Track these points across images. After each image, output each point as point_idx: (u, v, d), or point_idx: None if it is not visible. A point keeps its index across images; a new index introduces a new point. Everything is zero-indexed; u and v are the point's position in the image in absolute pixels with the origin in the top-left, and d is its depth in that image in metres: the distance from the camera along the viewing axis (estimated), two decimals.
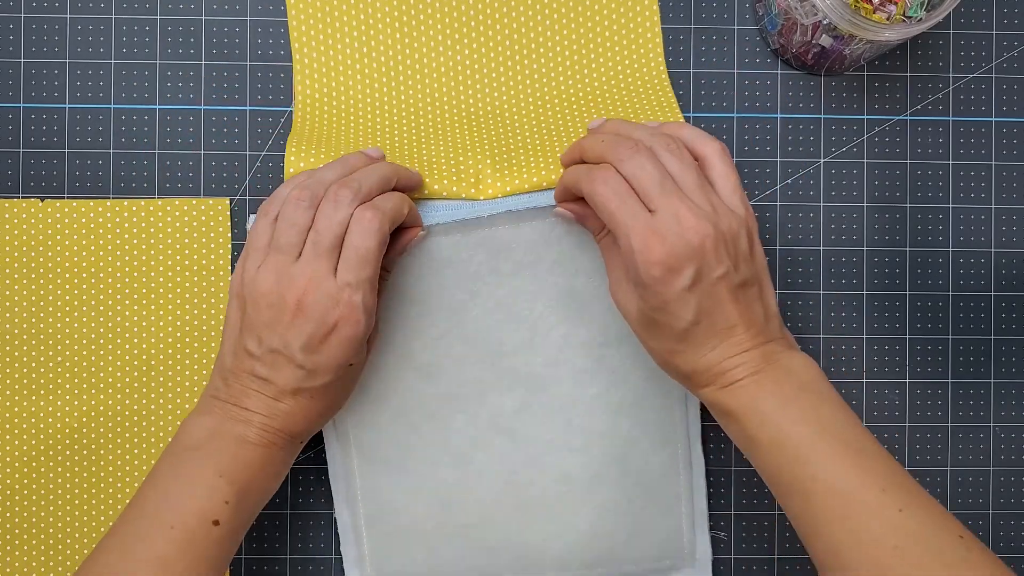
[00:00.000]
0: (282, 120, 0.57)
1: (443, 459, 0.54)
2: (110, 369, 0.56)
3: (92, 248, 0.56)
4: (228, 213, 0.56)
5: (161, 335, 0.56)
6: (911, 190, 0.58)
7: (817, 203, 0.58)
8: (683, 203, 0.45)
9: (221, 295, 0.56)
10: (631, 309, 0.48)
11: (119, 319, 0.56)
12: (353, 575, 0.56)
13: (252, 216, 0.53)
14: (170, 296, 0.56)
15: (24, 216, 0.56)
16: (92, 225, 0.56)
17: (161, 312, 0.56)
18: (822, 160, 0.58)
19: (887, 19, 0.51)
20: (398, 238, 0.51)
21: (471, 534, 0.55)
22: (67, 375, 0.56)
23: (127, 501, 0.56)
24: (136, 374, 0.56)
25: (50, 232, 0.56)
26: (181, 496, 0.46)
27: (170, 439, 0.55)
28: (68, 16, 0.57)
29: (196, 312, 0.56)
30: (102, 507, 0.56)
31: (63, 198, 0.56)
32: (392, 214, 0.48)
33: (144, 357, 0.56)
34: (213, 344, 0.56)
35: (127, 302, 0.56)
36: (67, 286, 0.56)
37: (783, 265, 0.58)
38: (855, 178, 0.58)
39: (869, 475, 0.44)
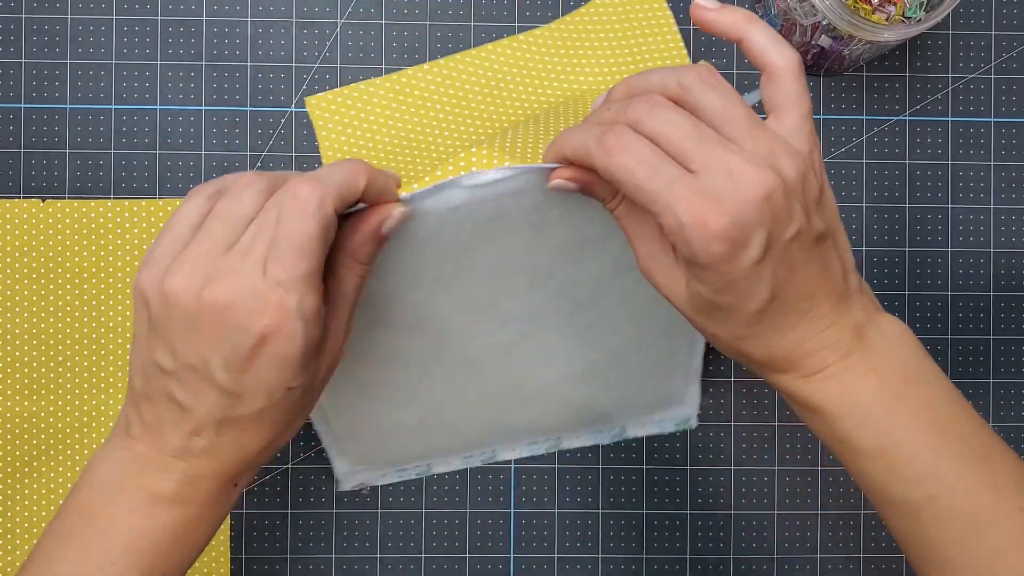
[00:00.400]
0: (282, 120, 0.57)
1: (433, 377, 0.51)
2: (110, 369, 0.56)
3: (93, 248, 0.56)
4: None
5: None
6: (910, 190, 0.58)
7: None
8: (734, 152, 0.35)
9: None
10: (678, 291, 0.39)
11: (119, 319, 0.56)
12: (340, 465, 0.55)
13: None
14: None
15: (25, 216, 0.56)
16: (93, 225, 0.56)
17: None
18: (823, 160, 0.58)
19: (886, 20, 0.51)
20: (367, 218, 0.40)
21: (459, 427, 0.54)
22: (67, 375, 0.56)
23: None
24: None
25: (51, 232, 0.56)
26: None
27: None
28: (68, 16, 0.57)
29: None
30: None
31: (64, 198, 0.56)
32: (339, 187, 0.38)
33: None
34: None
35: (127, 302, 0.56)
36: (67, 286, 0.56)
37: None
38: (854, 178, 0.58)
39: (1002, 492, 0.36)
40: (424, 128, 0.56)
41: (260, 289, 0.36)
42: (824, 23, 0.51)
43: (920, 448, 0.37)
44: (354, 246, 0.40)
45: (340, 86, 0.57)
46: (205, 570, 0.56)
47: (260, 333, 0.36)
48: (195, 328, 0.36)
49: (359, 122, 0.55)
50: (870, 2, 0.52)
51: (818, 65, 0.56)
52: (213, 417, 0.37)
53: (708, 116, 0.37)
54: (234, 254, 0.36)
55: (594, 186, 0.40)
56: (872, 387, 0.37)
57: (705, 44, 0.58)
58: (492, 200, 0.42)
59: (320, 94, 0.56)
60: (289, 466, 0.57)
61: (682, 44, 0.56)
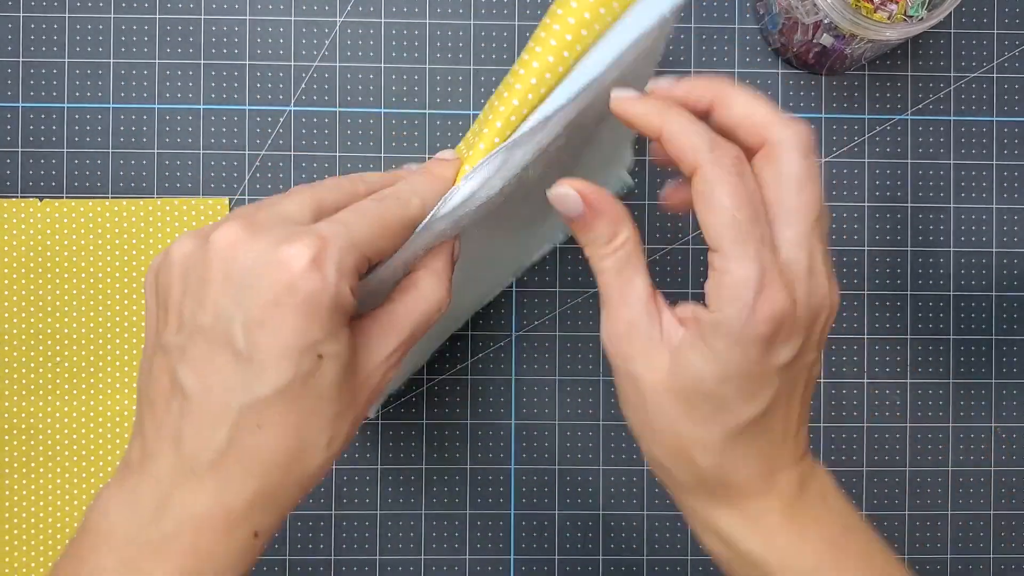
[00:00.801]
0: (281, 120, 0.57)
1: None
2: (110, 369, 0.56)
3: (91, 248, 0.56)
4: (228, 213, 0.56)
5: None
6: (912, 190, 0.58)
7: None
8: (820, 253, 0.33)
9: None
10: (655, 367, 0.34)
11: (119, 319, 0.56)
12: None
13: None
14: None
15: (23, 216, 0.56)
16: (91, 225, 0.56)
17: None
18: (823, 160, 0.58)
19: (888, 18, 0.51)
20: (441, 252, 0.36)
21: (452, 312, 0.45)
22: (67, 375, 0.56)
23: None
24: (136, 374, 0.56)
25: (49, 232, 0.56)
26: None
27: None
28: (67, 15, 0.57)
29: None
30: None
31: (61, 197, 0.56)
32: (412, 210, 0.34)
33: None
34: None
35: (127, 302, 0.56)
36: (67, 286, 0.56)
37: None
38: (856, 178, 0.58)
39: None
40: None
41: (293, 232, 0.31)
42: (826, 21, 0.51)
43: None
44: (440, 268, 0.36)
45: (340, 86, 0.57)
46: None
47: (285, 279, 0.30)
48: (207, 281, 0.30)
49: None
50: (872, 1, 0.51)
51: (820, 64, 0.56)
52: (224, 402, 0.30)
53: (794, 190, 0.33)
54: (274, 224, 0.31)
55: (599, 222, 0.35)
56: (815, 538, 0.35)
57: (686, 42, 0.58)
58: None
59: None
60: None
61: None
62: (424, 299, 0.35)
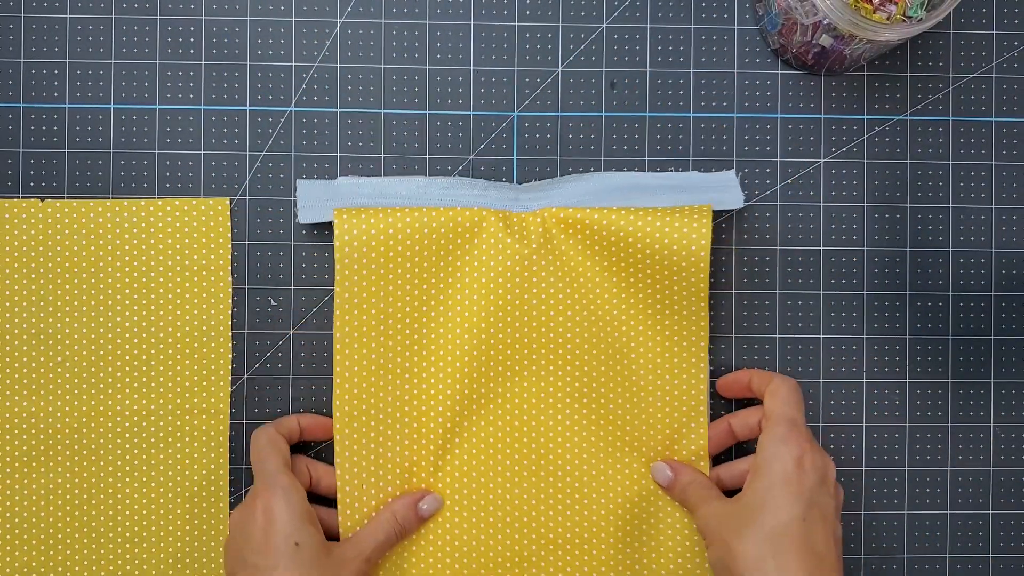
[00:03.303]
0: (282, 120, 0.57)
1: None
2: (110, 369, 0.56)
3: (92, 248, 0.56)
4: (228, 213, 0.56)
5: (161, 335, 0.56)
6: (911, 190, 0.58)
7: (817, 203, 0.58)
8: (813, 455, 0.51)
9: (221, 295, 0.56)
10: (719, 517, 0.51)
11: (119, 319, 0.56)
12: None
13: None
14: (170, 296, 0.56)
15: (24, 216, 0.56)
16: (92, 225, 0.56)
17: (161, 312, 0.56)
18: (822, 160, 0.58)
19: (887, 19, 0.51)
20: (416, 500, 0.55)
21: None
22: (67, 375, 0.56)
23: (126, 500, 0.56)
24: (136, 374, 0.56)
25: (50, 232, 0.56)
26: None
27: (171, 438, 0.56)
28: (68, 16, 0.57)
29: (196, 312, 0.56)
30: (102, 507, 0.56)
31: (63, 198, 0.56)
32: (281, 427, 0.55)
33: (144, 357, 0.56)
34: (213, 344, 0.56)
35: (127, 302, 0.56)
36: (67, 286, 0.56)
37: (783, 265, 0.58)
38: (855, 178, 0.58)
39: None
40: (440, 279, 0.55)
41: (255, 492, 0.52)
42: (825, 22, 0.51)
43: None
44: (399, 508, 0.55)
45: (340, 86, 0.57)
46: (204, 571, 0.56)
47: (262, 508, 0.51)
48: (230, 550, 0.52)
49: (379, 251, 0.54)
50: (871, 1, 0.51)
51: (819, 64, 0.56)
52: None
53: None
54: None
55: (674, 488, 0.55)
56: None
57: (686, 42, 0.58)
58: None
59: (347, 208, 0.54)
60: None
61: (707, 271, 0.54)
62: (380, 530, 0.54)
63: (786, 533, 0.48)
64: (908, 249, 0.58)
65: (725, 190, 0.56)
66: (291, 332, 0.57)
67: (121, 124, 0.57)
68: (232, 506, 0.57)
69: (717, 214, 0.57)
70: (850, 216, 0.58)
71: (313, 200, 0.56)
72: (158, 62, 0.57)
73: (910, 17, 0.51)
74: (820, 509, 0.49)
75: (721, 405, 0.58)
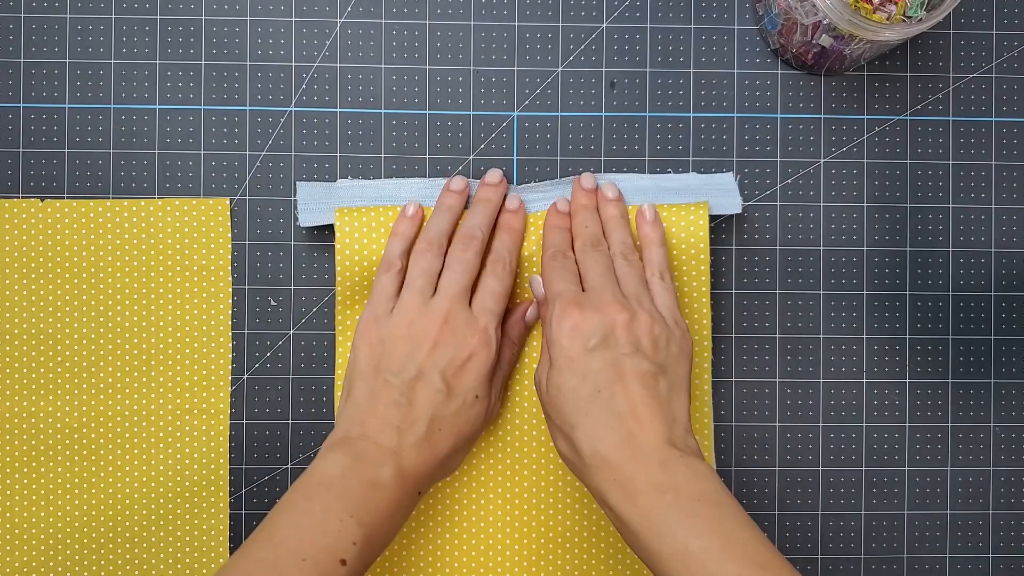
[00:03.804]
0: (282, 120, 0.57)
1: None
2: (110, 369, 0.56)
3: (92, 248, 0.56)
4: (228, 213, 0.56)
5: (161, 335, 0.56)
6: (911, 190, 0.58)
7: (817, 203, 0.58)
8: (611, 288, 0.50)
9: (221, 295, 0.56)
10: (543, 390, 0.50)
11: (119, 319, 0.56)
12: None
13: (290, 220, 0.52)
14: (170, 296, 0.56)
15: (24, 216, 0.56)
16: (92, 225, 0.56)
17: (161, 312, 0.56)
18: (822, 160, 0.58)
19: (887, 19, 0.51)
20: (516, 308, 0.55)
21: None
22: (67, 375, 0.56)
23: (126, 500, 0.56)
24: (136, 374, 0.56)
25: (50, 232, 0.56)
26: (312, 531, 0.46)
27: (171, 438, 0.55)
28: (68, 16, 0.57)
29: (196, 312, 0.56)
30: (102, 507, 0.56)
31: (63, 198, 0.56)
32: (514, 262, 0.54)
33: (144, 357, 0.56)
34: (213, 344, 0.56)
35: (127, 302, 0.56)
36: (67, 286, 0.56)
37: (783, 265, 0.58)
38: (855, 178, 0.58)
39: None
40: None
41: (470, 317, 0.51)
42: (825, 22, 0.51)
43: (708, 555, 0.43)
44: (509, 327, 0.54)
45: (340, 86, 0.57)
46: (204, 571, 0.56)
47: (470, 350, 0.51)
48: (418, 350, 0.50)
49: (379, 253, 0.54)
50: (871, 1, 0.51)
51: (819, 64, 0.56)
52: (427, 412, 0.49)
53: (618, 273, 0.51)
54: (440, 299, 0.51)
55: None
56: (669, 502, 0.44)
57: (686, 42, 0.58)
58: None
59: (349, 208, 0.55)
60: (289, 466, 0.57)
61: (707, 264, 0.55)
62: (505, 363, 0.55)
63: (589, 411, 0.47)
64: (908, 249, 0.58)
65: (723, 195, 0.56)
66: (291, 332, 0.57)
67: (121, 124, 0.57)
68: (232, 506, 0.57)
69: (716, 216, 0.57)
70: (850, 216, 0.58)
71: (313, 203, 0.56)
72: (158, 62, 0.57)
73: (910, 17, 0.51)
74: (613, 369, 0.47)
75: (723, 404, 0.58)
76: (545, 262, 0.53)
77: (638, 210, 0.54)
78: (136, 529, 0.56)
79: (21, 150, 0.57)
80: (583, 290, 0.50)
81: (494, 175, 0.55)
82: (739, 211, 0.56)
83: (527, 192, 0.56)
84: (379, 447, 0.49)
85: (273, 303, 0.57)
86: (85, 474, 0.56)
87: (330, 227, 0.56)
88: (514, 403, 0.56)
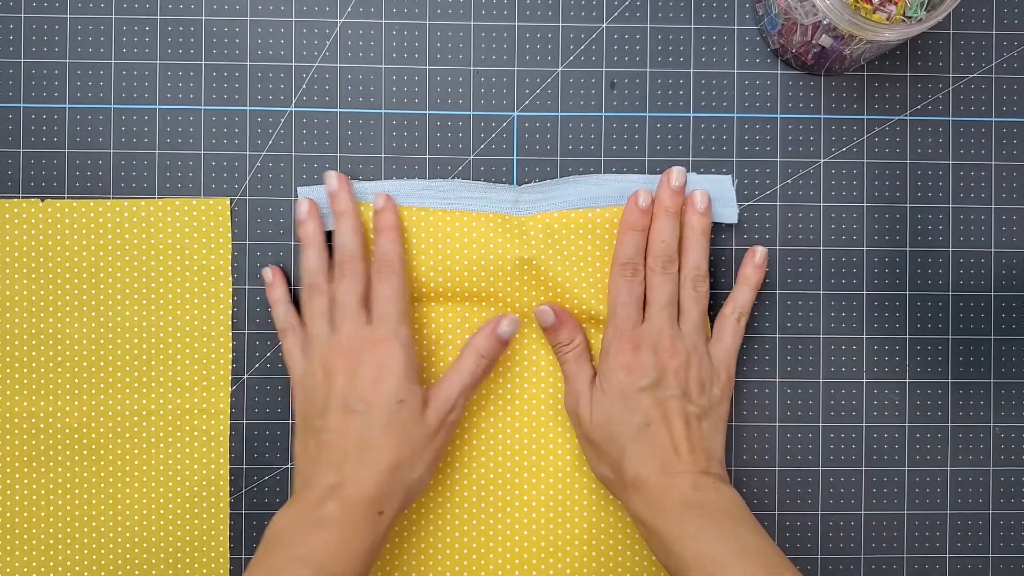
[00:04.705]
0: (282, 120, 0.57)
1: None
2: (110, 369, 0.56)
3: (92, 248, 0.56)
4: (228, 213, 0.56)
5: (161, 335, 0.56)
6: (911, 190, 0.58)
7: (817, 203, 0.58)
8: (671, 326, 0.53)
9: (221, 295, 0.56)
10: (587, 415, 0.53)
11: (119, 319, 0.56)
12: None
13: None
14: (170, 296, 0.56)
15: (24, 216, 0.56)
16: (92, 225, 0.56)
17: (161, 312, 0.56)
18: (822, 160, 0.58)
19: (887, 19, 0.51)
20: (489, 322, 0.55)
21: None
22: (67, 375, 0.56)
23: (126, 500, 0.56)
24: (136, 374, 0.56)
25: (50, 232, 0.56)
26: None
27: (171, 438, 0.55)
28: (68, 16, 0.57)
29: (196, 312, 0.56)
30: (102, 507, 0.56)
31: (63, 198, 0.56)
32: (398, 261, 0.54)
33: (144, 357, 0.56)
34: (213, 344, 0.56)
35: (127, 302, 0.56)
36: (67, 286, 0.56)
37: (783, 265, 0.58)
38: (855, 178, 0.58)
39: None
40: (440, 278, 0.55)
41: (370, 332, 0.52)
42: (825, 22, 0.51)
43: (726, 558, 0.47)
44: (477, 340, 0.55)
45: (340, 86, 0.57)
46: (204, 571, 0.56)
47: (380, 360, 0.51)
48: (333, 385, 0.51)
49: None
50: (871, 1, 0.51)
51: (819, 64, 0.56)
52: (353, 440, 0.50)
53: (683, 307, 0.54)
54: (339, 330, 0.52)
55: (563, 329, 0.55)
56: (696, 516, 0.49)
57: (686, 42, 0.58)
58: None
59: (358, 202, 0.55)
60: (289, 466, 0.57)
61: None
62: (465, 371, 0.54)
63: (638, 440, 0.51)
64: (908, 249, 0.58)
65: (721, 204, 0.56)
66: None
67: (121, 124, 0.57)
68: (232, 506, 0.57)
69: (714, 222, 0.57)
70: (850, 216, 0.58)
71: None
72: (158, 62, 0.57)
73: (910, 17, 0.51)
74: (661, 408, 0.51)
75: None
76: (613, 273, 0.54)
77: (749, 251, 0.56)
78: (136, 529, 0.56)
79: (21, 150, 0.57)
80: (644, 313, 0.53)
81: (332, 182, 0.55)
82: (735, 221, 0.56)
83: (527, 192, 0.56)
84: (320, 487, 0.50)
85: None
86: (85, 474, 0.56)
87: (331, 231, 0.56)
88: (515, 413, 0.56)
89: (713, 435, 0.53)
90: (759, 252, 0.56)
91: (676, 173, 0.55)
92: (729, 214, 0.56)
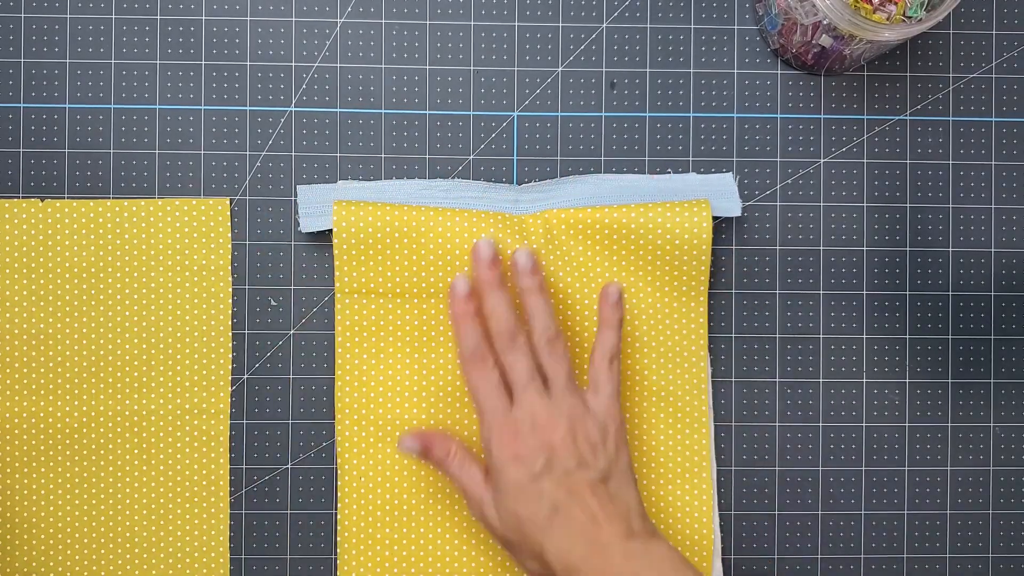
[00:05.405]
0: (282, 120, 0.57)
1: None
2: (110, 369, 0.56)
3: (92, 248, 0.56)
4: (228, 213, 0.56)
5: (161, 335, 0.56)
6: (911, 190, 0.58)
7: (817, 203, 0.58)
8: (541, 400, 0.51)
9: (221, 295, 0.56)
10: (494, 519, 0.51)
11: (119, 319, 0.56)
12: None
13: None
14: (170, 296, 0.56)
15: (24, 216, 0.56)
16: (92, 225, 0.56)
17: (161, 312, 0.56)
18: (822, 160, 0.58)
19: (887, 19, 0.51)
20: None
21: None
22: (66, 375, 0.56)
23: (126, 500, 0.56)
24: (136, 374, 0.56)
25: (50, 232, 0.56)
26: None
27: (170, 438, 0.55)
28: (68, 16, 0.57)
29: (196, 312, 0.56)
30: (102, 507, 0.56)
31: (63, 198, 0.56)
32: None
33: (144, 357, 0.56)
34: (213, 344, 0.56)
35: (127, 302, 0.56)
36: (67, 286, 0.56)
37: (783, 265, 0.58)
38: (855, 178, 0.58)
39: None
40: (440, 277, 0.55)
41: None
42: (825, 22, 0.51)
43: None
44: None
45: (340, 86, 0.57)
46: (204, 571, 0.56)
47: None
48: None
49: (377, 248, 0.55)
50: (871, 1, 0.51)
51: (819, 64, 0.56)
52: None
53: (543, 367, 0.52)
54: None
55: (434, 448, 0.53)
56: None
57: (686, 42, 0.58)
58: None
59: (347, 201, 0.55)
60: (289, 466, 0.57)
61: (707, 264, 0.55)
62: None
63: (552, 528, 0.49)
64: (908, 249, 0.58)
65: (723, 197, 0.56)
66: (291, 332, 0.57)
67: (121, 124, 0.57)
68: (232, 506, 0.57)
69: (715, 217, 0.57)
70: (850, 216, 0.58)
71: (314, 207, 0.56)
72: (158, 62, 0.57)
73: (910, 17, 0.51)
74: (564, 487, 0.49)
75: (723, 404, 0.58)
76: (464, 369, 0.52)
77: (602, 291, 0.53)
78: (136, 529, 0.56)
79: (21, 150, 0.57)
80: (511, 397, 0.51)
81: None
82: (739, 214, 0.56)
83: (527, 192, 0.56)
84: None
85: (273, 303, 0.57)
86: (85, 474, 0.56)
87: (331, 228, 0.56)
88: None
89: (624, 491, 0.51)
90: (612, 291, 0.53)
91: (484, 246, 0.53)
92: (731, 207, 0.56)
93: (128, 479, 0.56)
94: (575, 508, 0.49)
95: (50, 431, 0.56)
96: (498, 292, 0.52)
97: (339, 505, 0.55)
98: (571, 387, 0.52)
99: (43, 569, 0.56)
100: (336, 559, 0.57)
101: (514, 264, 0.53)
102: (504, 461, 0.50)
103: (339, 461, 0.55)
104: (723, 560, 0.57)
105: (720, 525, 0.57)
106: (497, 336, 0.52)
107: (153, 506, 0.56)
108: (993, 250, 0.58)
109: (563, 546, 0.49)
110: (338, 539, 0.56)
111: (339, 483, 0.55)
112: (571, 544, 0.48)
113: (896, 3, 0.51)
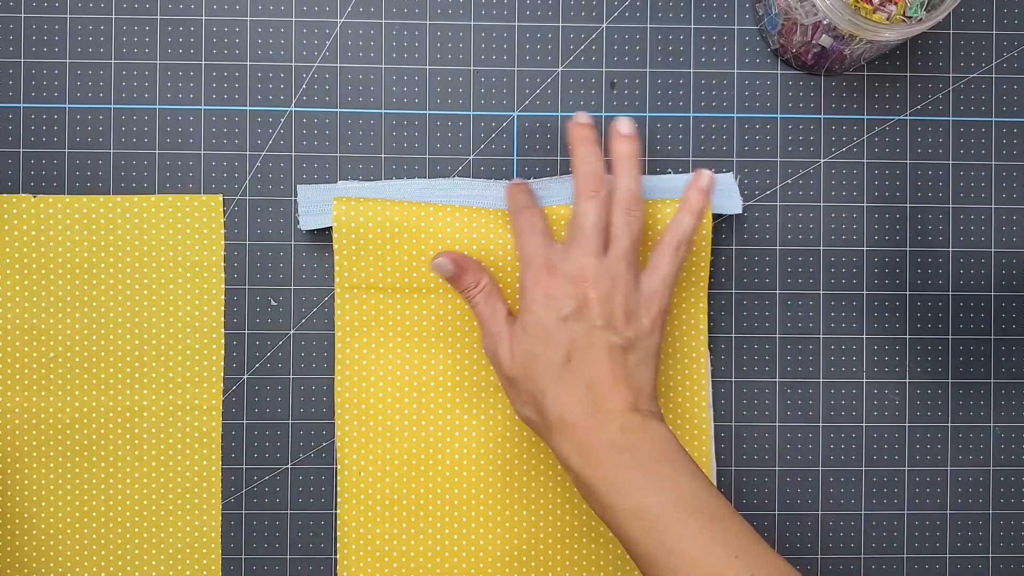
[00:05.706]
0: (282, 120, 0.57)
1: None
2: (102, 365, 0.56)
3: (85, 244, 0.56)
4: (221, 209, 0.56)
5: (154, 331, 0.56)
6: (911, 190, 0.58)
7: (817, 203, 0.58)
8: (593, 259, 0.49)
9: (214, 291, 0.56)
10: (507, 354, 0.50)
11: (111, 315, 0.56)
12: None
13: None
14: (163, 292, 0.56)
15: (16, 212, 0.56)
16: (86, 221, 0.56)
17: (154, 308, 0.56)
18: (822, 160, 0.58)
19: (887, 19, 0.51)
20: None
21: None
22: (58, 370, 0.56)
23: (118, 496, 0.56)
24: (129, 370, 0.56)
25: (43, 228, 0.56)
26: None
27: (163, 434, 0.55)
28: (68, 16, 0.57)
29: (188, 308, 0.56)
30: (94, 502, 0.56)
31: (60, 195, 0.56)
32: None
33: (136, 353, 0.56)
34: (205, 340, 0.56)
35: (119, 298, 0.56)
36: (59, 282, 0.56)
37: (783, 265, 0.58)
38: (855, 178, 0.58)
39: (722, 542, 0.45)
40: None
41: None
42: (825, 22, 0.51)
43: (662, 509, 0.45)
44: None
45: (340, 86, 0.57)
46: (196, 566, 0.56)
47: None
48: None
49: (377, 243, 0.55)
50: (871, 1, 0.51)
51: (819, 64, 0.56)
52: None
53: (612, 230, 0.50)
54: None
55: (466, 275, 0.52)
56: (629, 465, 0.46)
57: (686, 42, 0.58)
58: None
59: (347, 197, 0.55)
60: (289, 466, 0.57)
61: (708, 264, 0.56)
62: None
63: (559, 378, 0.48)
64: (908, 249, 0.58)
65: (724, 195, 0.56)
66: (291, 332, 0.57)
67: (121, 124, 0.57)
68: (232, 506, 0.57)
69: (716, 216, 0.57)
70: (850, 216, 0.58)
71: (314, 206, 0.56)
72: (158, 62, 0.57)
73: (910, 17, 0.51)
74: (584, 339, 0.48)
75: (723, 404, 0.58)
76: (512, 218, 0.52)
77: (695, 173, 0.52)
78: (128, 526, 0.56)
79: (21, 150, 0.57)
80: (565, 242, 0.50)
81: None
82: (739, 211, 0.56)
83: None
84: None
85: (273, 303, 0.57)
86: (77, 469, 0.56)
87: (331, 228, 0.56)
88: (506, 411, 0.56)
89: (641, 368, 0.49)
90: (705, 175, 0.52)
91: (581, 115, 0.52)
92: (733, 205, 0.56)
93: (120, 475, 0.56)
94: (588, 364, 0.48)
95: (42, 426, 0.56)
96: (593, 147, 0.51)
97: (338, 501, 0.55)
98: (629, 258, 0.50)
99: (35, 565, 0.56)
100: (336, 559, 0.57)
101: (614, 128, 0.52)
102: (534, 299, 0.49)
103: (338, 456, 0.55)
104: None
105: None
106: (584, 178, 0.50)
107: (146, 502, 0.56)
108: (993, 250, 0.58)
109: (565, 399, 0.48)
110: (338, 538, 0.56)
111: (338, 479, 0.55)
112: (573, 399, 0.48)
113: (896, 3, 0.51)
